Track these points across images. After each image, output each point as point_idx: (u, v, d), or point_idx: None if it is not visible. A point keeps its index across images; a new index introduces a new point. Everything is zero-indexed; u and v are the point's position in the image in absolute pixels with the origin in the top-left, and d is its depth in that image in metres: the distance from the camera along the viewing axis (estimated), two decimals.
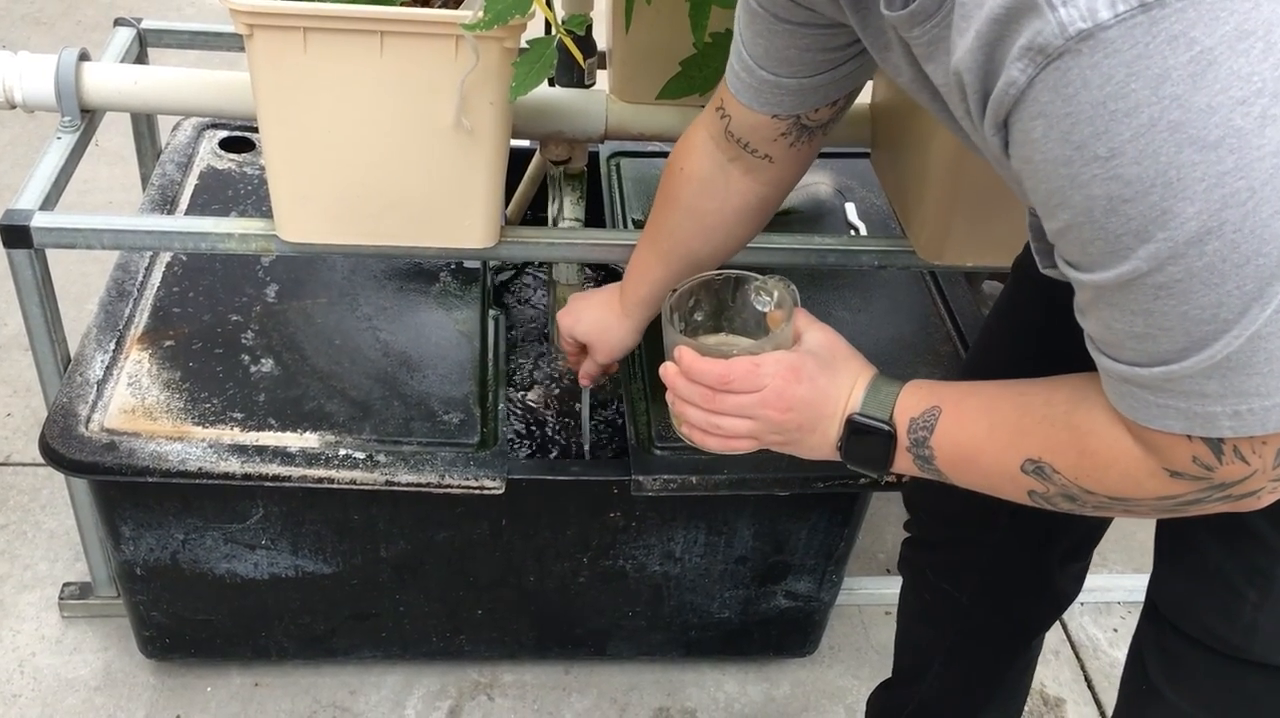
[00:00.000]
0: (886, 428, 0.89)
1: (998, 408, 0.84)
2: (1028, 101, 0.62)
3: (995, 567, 1.23)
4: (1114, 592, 1.84)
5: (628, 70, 1.45)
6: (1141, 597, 1.85)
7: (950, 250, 1.37)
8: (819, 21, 0.89)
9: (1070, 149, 0.61)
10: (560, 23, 1.17)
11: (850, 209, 1.81)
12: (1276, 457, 0.70)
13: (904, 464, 0.90)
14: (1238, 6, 0.56)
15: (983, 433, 0.84)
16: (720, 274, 1.02)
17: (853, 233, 1.77)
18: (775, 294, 0.98)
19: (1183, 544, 0.96)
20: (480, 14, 1.09)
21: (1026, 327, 1.14)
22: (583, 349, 1.31)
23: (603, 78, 1.54)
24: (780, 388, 0.90)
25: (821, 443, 0.93)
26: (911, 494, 1.30)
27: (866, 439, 0.90)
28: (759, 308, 1.00)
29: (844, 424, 0.91)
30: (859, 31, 0.84)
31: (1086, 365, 1.00)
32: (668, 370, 0.94)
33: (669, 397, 0.95)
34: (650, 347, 1.54)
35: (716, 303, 1.03)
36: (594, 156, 1.86)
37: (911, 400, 0.89)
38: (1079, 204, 0.63)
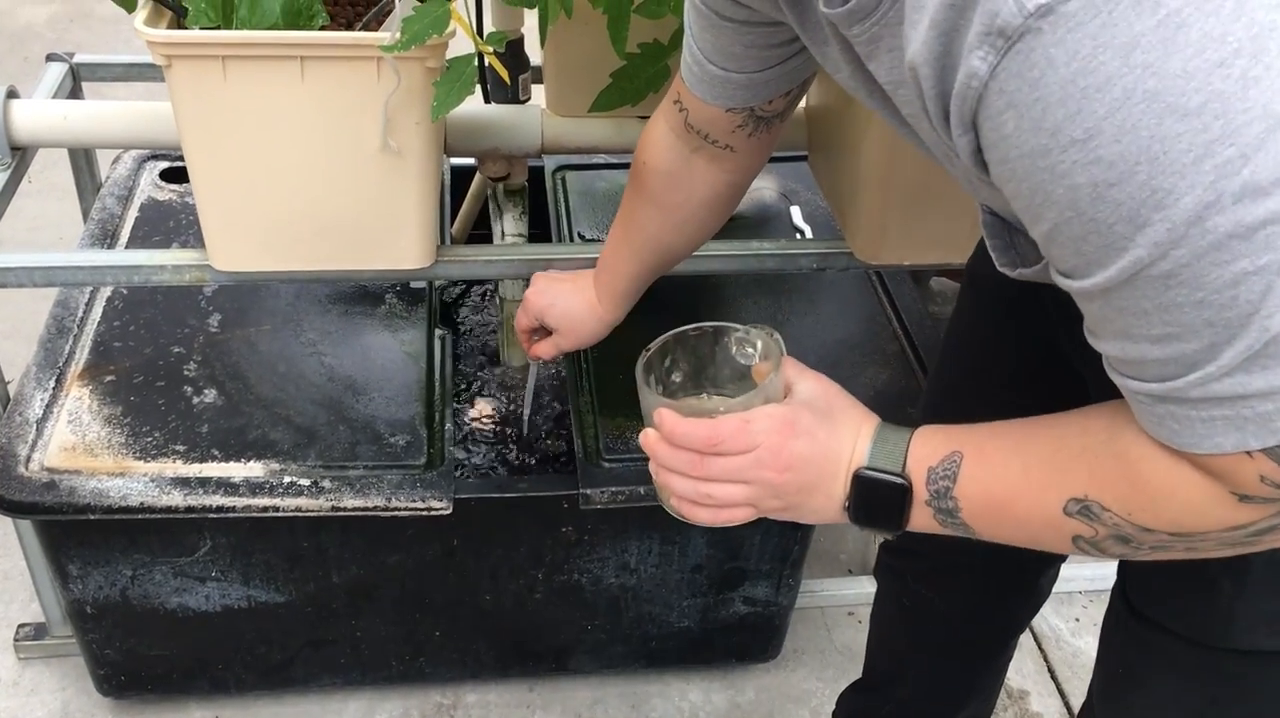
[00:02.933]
0: (900, 481, 0.79)
1: (1029, 446, 0.75)
2: (993, 93, 0.58)
3: (983, 570, 1.21)
4: (1075, 581, 1.85)
5: (562, 84, 1.45)
6: (1102, 586, 1.86)
7: (887, 250, 1.37)
8: (759, 20, 0.87)
9: (1045, 137, 0.57)
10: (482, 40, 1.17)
11: (795, 212, 1.82)
12: None
13: (922, 521, 0.80)
14: None
15: (1015, 475, 0.75)
16: (696, 328, 0.93)
17: (798, 236, 1.77)
18: (759, 345, 0.89)
19: None
20: (398, 35, 1.08)
21: (993, 341, 1.12)
22: (540, 329, 1.29)
23: (539, 92, 1.54)
24: (775, 445, 0.80)
25: (826, 505, 0.83)
26: None
27: (878, 496, 0.80)
28: (742, 362, 0.91)
29: (850, 481, 0.81)
30: (796, 28, 0.82)
31: (1070, 379, 0.96)
32: (648, 438, 0.84)
33: (652, 467, 0.85)
34: (598, 361, 1.54)
35: (695, 360, 0.93)
36: (539, 171, 1.86)
37: (926, 448, 0.79)
38: (1063, 198, 0.58)
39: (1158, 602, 0.94)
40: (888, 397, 1.52)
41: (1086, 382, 0.97)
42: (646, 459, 1.39)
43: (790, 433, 0.81)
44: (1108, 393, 0.94)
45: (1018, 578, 1.24)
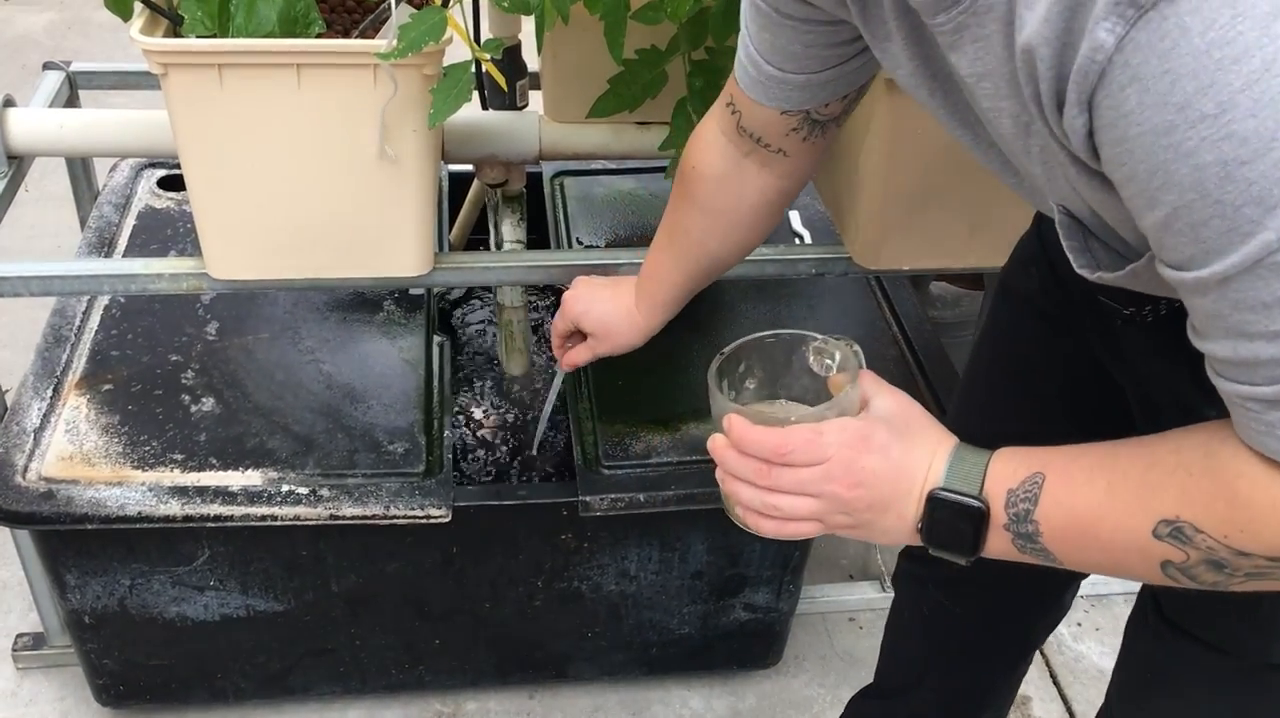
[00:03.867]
0: (977, 504, 0.76)
1: (1116, 465, 0.72)
2: (1117, 67, 0.55)
3: (1007, 583, 1.18)
4: None
5: (559, 90, 1.45)
6: (1104, 590, 1.85)
7: (886, 255, 1.37)
8: (820, 18, 0.85)
9: (1171, 113, 0.54)
10: (479, 46, 1.16)
11: (794, 217, 1.81)
12: None
13: (999, 546, 0.77)
14: None
15: (1100, 496, 0.71)
16: (773, 335, 0.90)
17: (797, 241, 1.77)
18: (837, 356, 0.86)
19: None
20: (395, 42, 1.08)
21: (1028, 356, 1.10)
22: (576, 333, 1.26)
23: (536, 98, 1.54)
24: (847, 459, 0.77)
25: (898, 525, 0.79)
26: None
27: (953, 518, 0.77)
28: (818, 372, 0.87)
29: (924, 502, 0.78)
30: (858, 22, 0.79)
31: (1110, 394, 0.95)
32: (716, 443, 0.81)
33: (719, 474, 0.82)
34: (597, 368, 1.53)
35: (770, 367, 0.90)
36: (537, 177, 1.86)
37: (1006, 470, 0.76)
38: (1187, 179, 0.55)
39: (1194, 613, 0.92)
40: None
41: (1127, 397, 0.96)
42: (645, 466, 1.38)
43: (863, 448, 0.77)
44: (1148, 408, 0.93)
45: (1040, 592, 1.22)
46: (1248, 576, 0.67)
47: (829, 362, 0.86)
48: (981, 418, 1.16)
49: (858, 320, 1.68)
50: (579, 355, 1.26)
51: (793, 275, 1.47)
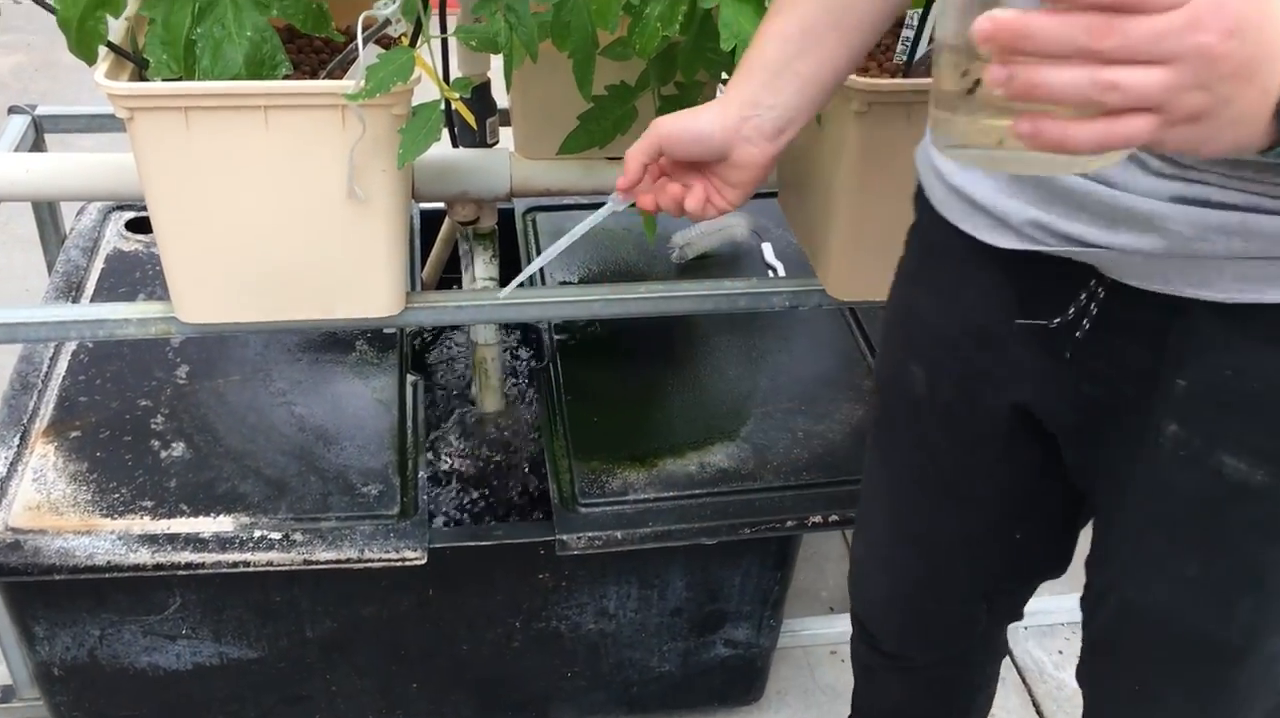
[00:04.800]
0: None
1: None
2: None
3: (939, 679, 1.26)
4: (1057, 613, 1.84)
5: (529, 127, 1.45)
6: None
7: (859, 287, 1.37)
8: None
9: None
10: (448, 85, 1.16)
11: (768, 249, 1.82)
12: None
13: None
14: None
15: None
16: None
17: (770, 273, 1.77)
18: None
19: (1159, 556, 0.88)
20: (362, 83, 1.08)
21: (924, 462, 1.06)
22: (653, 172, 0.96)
23: (507, 134, 1.53)
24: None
25: (1257, 107, 0.58)
26: (857, 601, 1.28)
27: None
28: None
29: None
30: None
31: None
32: (999, 18, 0.55)
33: (991, 75, 0.56)
34: (572, 404, 1.52)
35: None
36: (509, 213, 1.86)
37: None
38: None
39: (1169, 615, 0.90)
40: (864, 433, 1.51)
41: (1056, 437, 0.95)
42: (622, 503, 1.36)
43: None
44: (1082, 450, 0.93)
45: (974, 675, 1.27)
46: None
47: None
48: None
49: (832, 352, 1.68)
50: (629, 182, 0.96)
51: (766, 309, 1.46)
